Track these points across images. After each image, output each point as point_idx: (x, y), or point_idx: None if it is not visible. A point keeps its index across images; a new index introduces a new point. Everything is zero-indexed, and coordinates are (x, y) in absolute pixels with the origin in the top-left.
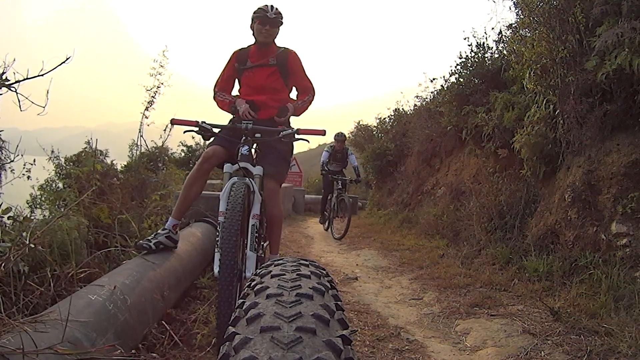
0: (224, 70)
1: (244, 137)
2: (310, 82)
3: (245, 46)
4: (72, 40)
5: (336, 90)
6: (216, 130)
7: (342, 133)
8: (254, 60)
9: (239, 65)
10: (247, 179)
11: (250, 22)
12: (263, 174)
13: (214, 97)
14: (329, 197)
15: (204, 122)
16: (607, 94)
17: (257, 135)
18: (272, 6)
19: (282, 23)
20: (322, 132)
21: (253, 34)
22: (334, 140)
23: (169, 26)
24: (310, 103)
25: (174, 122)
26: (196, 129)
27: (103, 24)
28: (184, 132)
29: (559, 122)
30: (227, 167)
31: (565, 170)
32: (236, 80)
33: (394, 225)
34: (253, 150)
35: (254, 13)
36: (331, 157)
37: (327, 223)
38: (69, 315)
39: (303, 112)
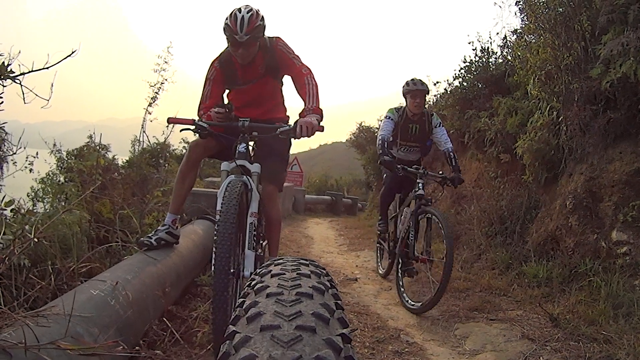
0: (210, 88)
1: (241, 135)
2: (302, 63)
3: (227, 54)
4: (74, 35)
5: (338, 91)
6: (213, 128)
7: (421, 81)
8: (243, 77)
9: (229, 85)
10: (245, 176)
11: None
12: (261, 174)
13: (199, 115)
14: (395, 208)
15: (200, 120)
16: (611, 102)
17: (254, 133)
18: (242, 21)
19: (263, 31)
20: (320, 129)
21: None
22: (404, 99)
23: (173, 23)
24: (317, 86)
25: (170, 120)
26: (193, 127)
27: (105, 19)
28: (181, 130)
29: (562, 129)
30: (225, 165)
31: (567, 177)
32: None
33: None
34: (250, 148)
35: (223, 29)
36: (399, 131)
37: (387, 261)
38: (72, 310)
39: (319, 99)
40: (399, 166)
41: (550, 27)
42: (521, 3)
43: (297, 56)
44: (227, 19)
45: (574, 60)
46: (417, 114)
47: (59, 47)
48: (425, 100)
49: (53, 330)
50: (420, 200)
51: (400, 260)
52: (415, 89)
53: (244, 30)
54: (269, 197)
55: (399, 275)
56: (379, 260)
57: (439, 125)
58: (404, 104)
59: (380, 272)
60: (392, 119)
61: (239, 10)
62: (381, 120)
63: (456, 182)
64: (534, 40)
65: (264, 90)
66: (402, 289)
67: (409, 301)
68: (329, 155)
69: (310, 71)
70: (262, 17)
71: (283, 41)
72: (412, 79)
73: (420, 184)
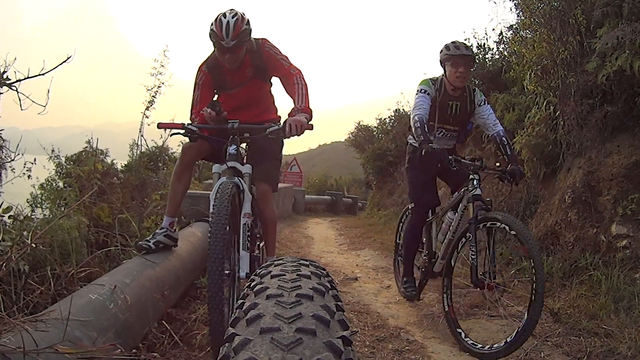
0: (199, 92)
1: (231, 137)
2: (290, 64)
3: (213, 58)
4: (67, 42)
5: (338, 93)
6: (203, 131)
7: (465, 44)
8: (232, 81)
9: (218, 89)
10: (236, 178)
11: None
12: (254, 175)
13: (192, 120)
14: (434, 215)
15: (190, 124)
16: (608, 96)
17: (245, 134)
18: (227, 26)
19: (249, 35)
20: (309, 127)
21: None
22: (442, 69)
23: (166, 27)
24: (306, 86)
25: (160, 126)
26: (182, 131)
27: (98, 26)
28: (171, 135)
29: (560, 124)
30: (216, 167)
31: (565, 172)
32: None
33: (394, 226)
34: (242, 150)
35: (209, 35)
36: (435, 110)
37: (414, 283)
38: (70, 314)
39: (309, 98)
40: (451, 157)
41: (546, 21)
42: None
43: (285, 57)
44: (212, 24)
45: (570, 55)
46: (458, 88)
47: (53, 54)
48: (470, 70)
49: (52, 335)
50: (478, 202)
51: (446, 285)
52: (458, 54)
53: (230, 35)
54: (263, 196)
55: (449, 305)
56: (400, 274)
57: (484, 103)
58: (440, 76)
59: (404, 293)
60: (428, 94)
61: (224, 15)
62: (379, 119)
63: (517, 177)
64: (529, 36)
65: (254, 93)
66: (458, 325)
67: (473, 342)
68: (328, 155)
69: (300, 71)
70: (248, 20)
71: (270, 42)
72: (454, 42)
73: (475, 181)
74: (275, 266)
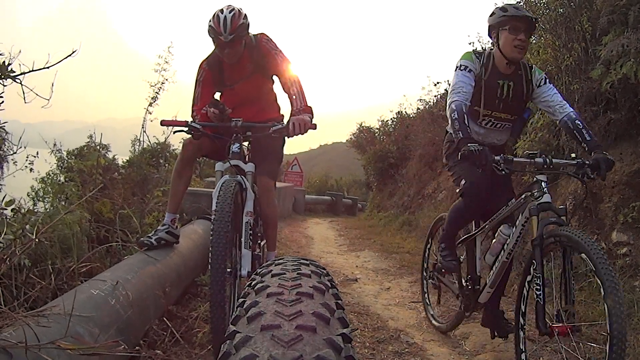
0: (200, 89)
1: (234, 135)
2: (283, 58)
3: (214, 55)
4: (66, 41)
5: (341, 97)
6: (206, 129)
7: (524, 14)
8: (231, 77)
9: (218, 86)
10: (239, 176)
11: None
12: (255, 172)
13: (193, 117)
14: (479, 228)
15: (193, 122)
16: (612, 103)
17: (248, 133)
18: (224, 21)
19: (247, 29)
20: (313, 126)
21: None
22: (491, 38)
23: (164, 30)
24: (299, 81)
25: (163, 123)
26: (186, 128)
27: (96, 27)
28: (174, 132)
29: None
30: (219, 165)
31: (567, 178)
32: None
33: (394, 228)
34: (245, 148)
35: (208, 31)
36: (481, 92)
37: (455, 250)
38: (72, 310)
39: (305, 95)
40: (499, 158)
41: (551, 27)
42: (522, 4)
43: (280, 50)
44: (210, 21)
45: (575, 61)
46: (514, 63)
47: (53, 53)
48: (529, 41)
49: (53, 330)
50: (547, 213)
51: (519, 329)
52: (521, 15)
53: (228, 30)
54: (265, 191)
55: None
56: (429, 302)
57: (545, 82)
58: (487, 49)
59: (434, 323)
60: (470, 70)
61: (221, 11)
62: (381, 121)
63: (604, 168)
64: (534, 41)
65: (254, 89)
66: None
67: None
68: (329, 156)
69: (298, 76)
70: (245, 15)
71: (267, 36)
72: (509, 4)
73: (543, 183)
74: (275, 265)
